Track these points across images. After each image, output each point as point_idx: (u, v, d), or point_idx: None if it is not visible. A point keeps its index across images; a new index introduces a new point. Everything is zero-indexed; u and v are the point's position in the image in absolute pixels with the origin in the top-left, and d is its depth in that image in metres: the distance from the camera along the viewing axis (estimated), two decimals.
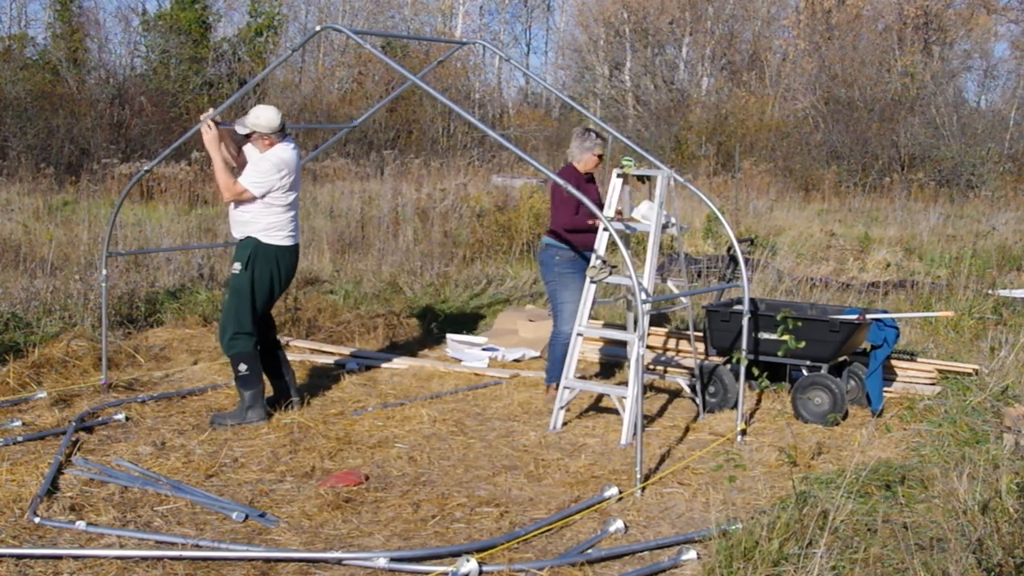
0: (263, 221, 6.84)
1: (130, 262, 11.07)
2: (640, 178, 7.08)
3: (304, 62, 34.73)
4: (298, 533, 5.02)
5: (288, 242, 6.95)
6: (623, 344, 7.85)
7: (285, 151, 6.85)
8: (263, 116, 6.78)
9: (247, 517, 5.15)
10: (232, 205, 6.90)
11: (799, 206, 22.15)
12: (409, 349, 9.30)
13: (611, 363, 8.73)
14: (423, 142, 29.71)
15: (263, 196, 6.77)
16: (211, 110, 7.08)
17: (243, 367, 6.85)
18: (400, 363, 8.61)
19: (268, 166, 6.75)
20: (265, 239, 6.84)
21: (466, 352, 8.97)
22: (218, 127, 6.88)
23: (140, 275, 10.59)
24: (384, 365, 8.58)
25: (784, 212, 20.27)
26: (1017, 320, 9.85)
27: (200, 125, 6.91)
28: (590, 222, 7.20)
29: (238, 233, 6.91)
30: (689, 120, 31.29)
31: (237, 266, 6.87)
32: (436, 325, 9.91)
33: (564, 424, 6.97)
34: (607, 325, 8.88)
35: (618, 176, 7.00)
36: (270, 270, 6.89)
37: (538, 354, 8.98)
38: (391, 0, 39.95)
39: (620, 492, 5.53)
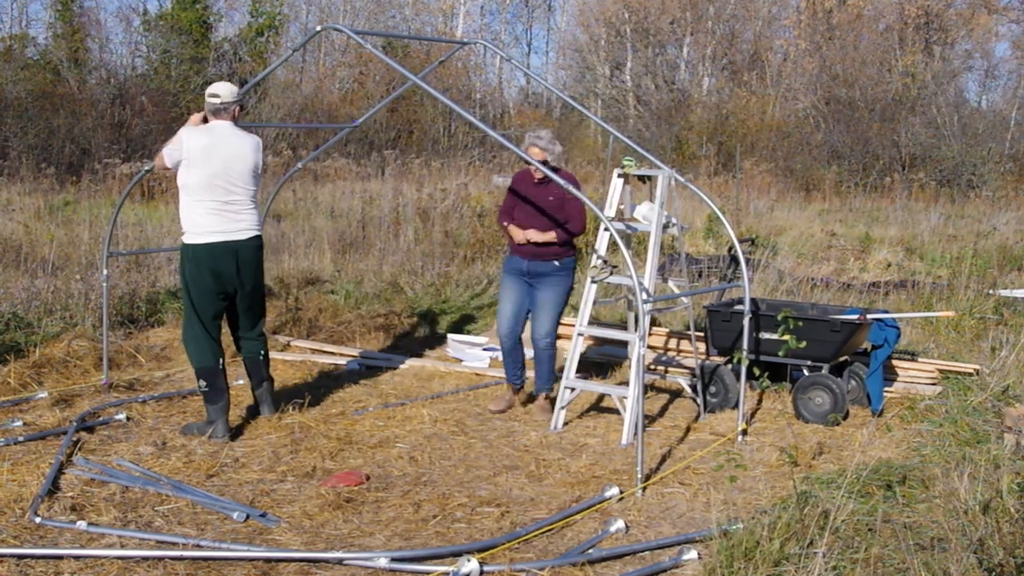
0: (183, 219, 6.54)
1: (131, 262, 11.07)
2: (641, 178, 7.08)
3: (305, 62, 34.75)
4: (299, 533, 5.02)
5: (204, 239, 6.47)
6: (617, 343, 7.85)
7: (204, 128, 6.44)
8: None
9: (248, 517, 5.15)
10: None
11: (800, 206, 22.15)
12: (410, 349, 9.29)
13: (608, 363, 8.72)
14: (424, 142, 29.72)
15: (174, 167, 6.40)
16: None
17: (201, 383, 6.56)
18: (400, 363, 8.61)
19: (176, 135, 6.43)
20: (184, 239, 6.56)
21: (467, 352, 8.96)
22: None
23: (141, 275, 10.59)
24: (384, 365, 8.58)
25: (785, 212, 20.26)
26: (1018, 320, 9.84)
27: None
28: (505, 223, 7.25)
29: None
30: (690, 120, 31.30)
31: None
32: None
33: (565, 424, 6.97)
34: (594, 323, 8.88)
35: (619, 176, 7.00)
36: (191, 272, 6.55)
37: None
38: (392, 0, 39.97)
39: (621, 492, 5.53)
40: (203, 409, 6.87)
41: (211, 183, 6.38)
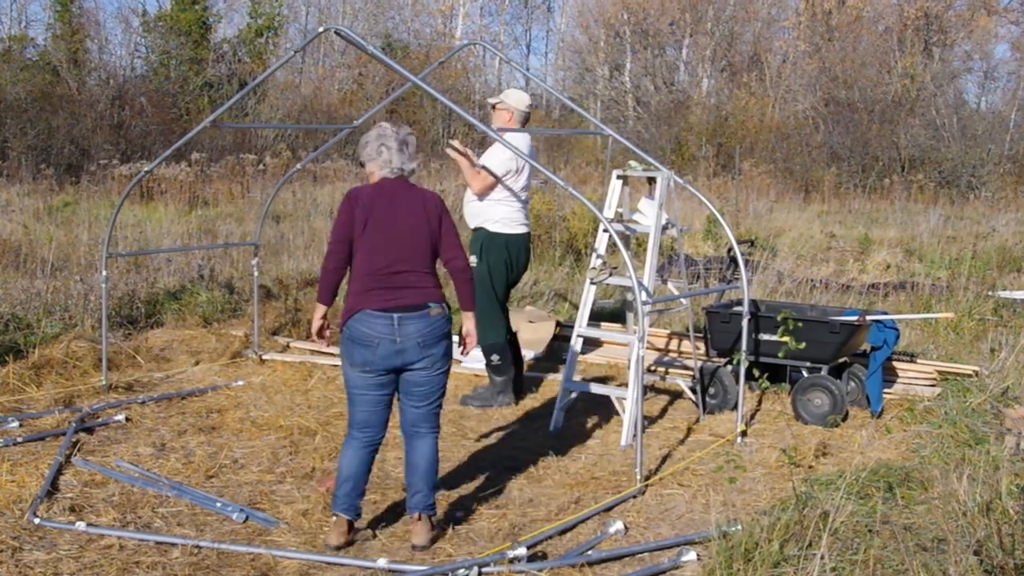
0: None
1: (130, 263, 11.07)
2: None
3: (304, 63, 34.75)
4: (298, 534, 5.02)
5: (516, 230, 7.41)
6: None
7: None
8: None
9: (247, 518, 5.14)
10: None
11: (799, 207, 22.15)
12: None
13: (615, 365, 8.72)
14: (423, 143, 29.72)
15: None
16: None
17: (494, 357, 7.37)
18: None
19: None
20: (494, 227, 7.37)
21: None
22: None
23: (140, 276, 10.59)
24: None
25: (784, 213, 20.27)
26: (1017, 321, 9.84)
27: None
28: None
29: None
30: (689, 121, 31.30)
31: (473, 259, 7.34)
32: None
33: (565, 425, 6.97)
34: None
35: (618, 178, 7.01)
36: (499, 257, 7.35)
37: (540, 354, 8.96)
38: (391, 1, 39.98)
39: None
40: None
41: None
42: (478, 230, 7.43)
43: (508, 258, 7.40)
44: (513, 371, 7.56)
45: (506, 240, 7.36)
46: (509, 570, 4.53)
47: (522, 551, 4.50)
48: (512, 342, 7.61)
